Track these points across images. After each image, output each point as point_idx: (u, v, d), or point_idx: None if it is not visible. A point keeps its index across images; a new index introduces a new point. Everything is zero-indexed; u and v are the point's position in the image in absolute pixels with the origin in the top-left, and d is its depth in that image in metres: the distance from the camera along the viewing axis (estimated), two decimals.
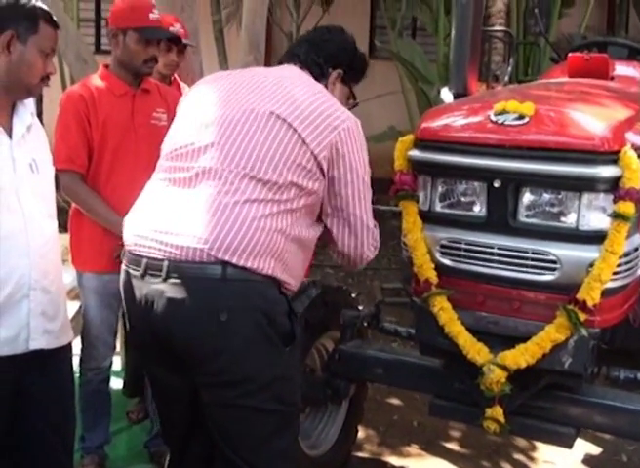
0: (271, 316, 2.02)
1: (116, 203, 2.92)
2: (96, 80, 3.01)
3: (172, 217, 2.06)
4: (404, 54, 7.35)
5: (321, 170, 2.10)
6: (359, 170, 2.15)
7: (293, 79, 2.24)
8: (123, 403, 3.56)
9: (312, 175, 2.09)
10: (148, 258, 2.05)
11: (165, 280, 2.00)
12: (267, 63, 5.98)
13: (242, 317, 1.99)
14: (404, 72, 7.59)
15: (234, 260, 1.97)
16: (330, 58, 2.35)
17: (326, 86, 2.32)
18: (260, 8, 4.59)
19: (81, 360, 3.09)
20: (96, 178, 2.95)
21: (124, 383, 3.62)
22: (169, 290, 1.99)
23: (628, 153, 2.26)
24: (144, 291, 2.06)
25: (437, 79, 6.77)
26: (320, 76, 2.32)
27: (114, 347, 3.17)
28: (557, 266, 2.29)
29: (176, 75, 3.56)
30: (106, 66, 3.04)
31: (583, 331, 2.29)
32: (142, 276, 2.06)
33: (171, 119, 3.06)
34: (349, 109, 2.32)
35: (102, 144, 2.92)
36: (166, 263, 2.00)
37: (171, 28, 3.36)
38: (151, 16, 2.94)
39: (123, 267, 2.18)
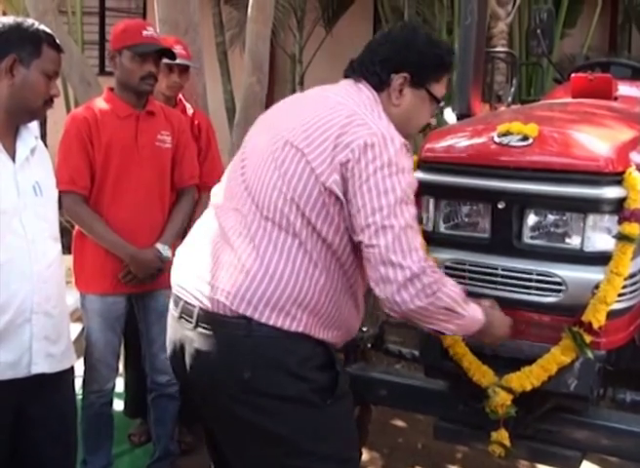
0: (301, 373, 1.87)
1: (119, 225, 2.94)
2: (100, 102, 3.03)
3: (207, 262, 1.96)
4: None
5: (336, 198, 1.86)
6: (387, 194, 1.83)
7: (327, 96, 2.03)
8: (125, 425, 3.55)
9: (329, 207, 1.87)
10: (184, 302, 1.99)
11: (195, 328, 1.94)
12: (270, 85, 6.01)
13: (266, 375, 1.86)
14: None
15: (256, 316, 1.85)
16: (387, 62, 2.04)
17: (390, 97, 2.05)
18: (263, 30, 4.62)
19: (84, 382, 3.09)
20: (98, 200, 2.95)
21: (125, 403, 3.62)
22: (197, 339, 1.93)
23: (633, 174, 2.25)
24: (178, 334, 2.01)
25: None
26: (380, 85, 2.04)
27: (117, 369, 3.16)
28: (562, 288, 2.27)
29: (181, 96, 3.57)
30: (111, 89, 3.06)
31: (589, 354, 2.26)
32: (179, 318, 2.01)
33: (176, 141, 3.09)
34: (433, 115, 2.16)
35: (105, 166, 2.93)
36: (197, 310, 1.93)
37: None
38: (144, 33, 2.97)
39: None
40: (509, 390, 2.29)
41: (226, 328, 1.87)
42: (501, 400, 2.29)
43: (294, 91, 8.00)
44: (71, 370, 2.31)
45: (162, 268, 2.99)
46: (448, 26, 7.23)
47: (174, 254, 2.99)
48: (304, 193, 1.87)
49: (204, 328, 1.91)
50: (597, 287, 2.24)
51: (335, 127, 1.89)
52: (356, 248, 1.92)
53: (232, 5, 7.67)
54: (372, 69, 2.04)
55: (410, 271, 1.83)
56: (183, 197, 3.15)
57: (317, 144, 1.88)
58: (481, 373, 2.34)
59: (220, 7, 8.11)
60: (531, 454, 2.59)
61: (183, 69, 3.44)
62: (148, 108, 3.03)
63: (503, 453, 2.40)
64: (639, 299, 2.42)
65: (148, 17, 8.53)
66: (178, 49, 3.41)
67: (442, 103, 2.18)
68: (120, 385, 3.72)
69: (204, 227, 2.07)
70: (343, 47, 9.24)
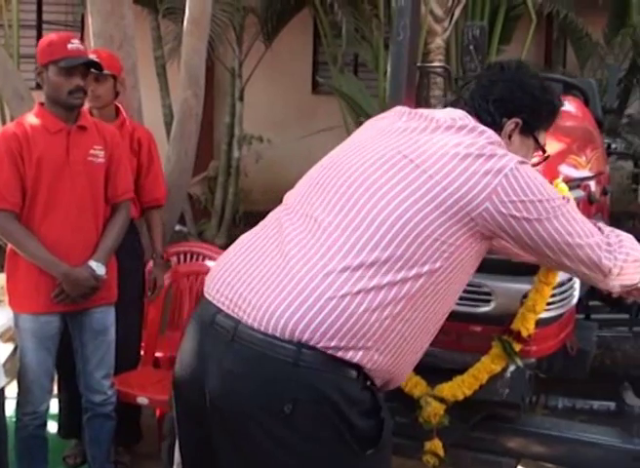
0: (345, 414, 1.64)
1: (51, 242, 2.89)
2: (31, 118, 2.98)
3: (267, 274, 1.73)
4: (346, 89, 7.45)
5: None
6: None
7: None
8: (60, 447, 3.47)
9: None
10: (224, 313, 1.74)
11: (231, 342, 1.69)
12: (210, 99, 5.97)
13: (308, 411, 1.63)
14: (346, 107, 7.68)
15: (310, 342, 1.62)
16: (502, 102, 1.93)
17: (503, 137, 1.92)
18: (198, 44, 4.61)
19: (17, 404, 3.02)
20: (30, 217, 2.90)
21: (59, 424, 3.54)
22: (231, 358, 1.69)
23: (559, 186, 2.31)
24: (206, 347, 1.76)
25: (378, 113, 6.85)
26: (492, 125, 1.90)
27: (51, 391, 3.10)
28: (492, 298, 2.32)
29: (122, 108, 3.53)
30: (42, 104, 3.01)
31: (518, 362, 2.31)
32: (210, 327, 1.76)
33: (109, 156, 3.06)
34: (537, 164, 2.05)
35: (37, 182, 2.89)
36: (237, 325, 1.69)
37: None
38: (69, 46, 2.92)
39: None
40: (442, 400, 2.33)
41: (272, 351, 1.64)
42: (434, 410, 2.32)
43: (233, 105, 7.99)
44: (1, 391, 2.25)
45: (96, 286, 2.95)
46: (385, 42, 7.31)
47: (107, 271, 3.00)
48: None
49: (243, 346, 1.67)
50: (526, 296, 2.29)
51: None
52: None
53: (170, 19, 7.62)
54: (485, 107, 1.93)
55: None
56: (118, 212, 3.11)
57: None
58: (413, 384, 2.37)
59: (157, 21, 8.06)
60: (465, 463, 2.62)
61: (98, 78, 3.35)
62: (80, 123, 2.99)
63: (437, 463, 2.43)
64: (568, 308, 2.48)
65: (86, 30, 8.43)
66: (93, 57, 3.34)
67: (547, 153, 2.10)
68: (54, 406, 3.65)
69: (264, 236, 1.84)
70: (283, 61, 9.30)
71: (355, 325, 1.64)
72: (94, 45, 4.03)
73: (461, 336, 2.41)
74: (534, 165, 2.02)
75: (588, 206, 2.68)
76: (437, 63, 7.27)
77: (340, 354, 1.64)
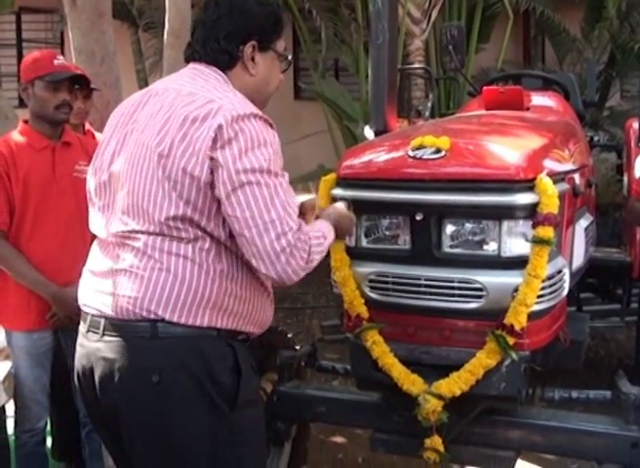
0: (211, 374, 1.85)
1: (40, 260, 2.89)
2: (16, 136, 2.99)
3: (107, 276, 1.97)
4: (328, 93, 7.49)
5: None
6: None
7: (178, 90, 1.97)
8: (54, 467, 3.43)
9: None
10: (91, 316, 1.98)
11: (101, 337, 1.92)
12: None
13: (174, 377, 1.83)
14: (329, 112, 7.72)
15: (159, 316, 1.84)
16: (232, 36, 2.00)
17: (246, 68, 2.02)
18: (179, 56, 4.59)
19: (15, 422, 3.01)
20: (18, 235, 2.90)
21: (52, 445, 3.48)
22: (104, 348, 1.90)
23: (544, 180, 2.33)
24: (86, 349, 1.98)
25: (361, 117, 6.90)
26: (231, 62, 2.01)
27: (48, 407, 3.08)
28: (483, 293, 2.33)
29: (88, 124, 3.54)
30: (26, 121, 3.02)
31: (513, 355, 2.33)
32: (86, 332, 1.98)
33: None
34: (283, 71, 2.13)
35: (25, 200, 2.89)
36: (102, 321, 1.92)
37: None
38: (55, 62, 2.95)
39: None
40: (439, 396, 2.34)
41: (131, 331, 1.86)
42: (432, 406, 2.33)
43: None
44: (2, 409, 2.26)
45: None
46: (365, 46, 7.36)
47: None
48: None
49: (110, 335, 1.89)
50: (516, 290, 2.30)
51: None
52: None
53: (151, 33, 7.65)
54: (218, 48, 1.99)
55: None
56: None
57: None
58: (410, 382, 2.38)
59: (138, 35, 8.08)
60: (465, 458, 2.64)
61: (86, 95, 3.39)
62: (64, 139, 3.00)
63: (438, 460, 2.45)
64: (559, 300, 2.49)
65: (66, 46, 8.43)
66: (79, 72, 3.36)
67: (290, 56, 2.16)
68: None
69: (95, 247, 2.10)
70: None
71: (181, 291, 1.84)
72: (75, 61, 4.04)
73: (455, 333, 2.43)
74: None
75: (574, 198, 2.71)
76: (417, 65, 7.33)
77: (184, 319, 1.85)
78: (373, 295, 2.49)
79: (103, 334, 1.91)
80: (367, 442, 2.76)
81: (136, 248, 1.89)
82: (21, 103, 3.00)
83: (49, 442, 3.20)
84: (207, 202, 1.86)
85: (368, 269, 2.49)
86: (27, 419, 2.99)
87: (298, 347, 3.08)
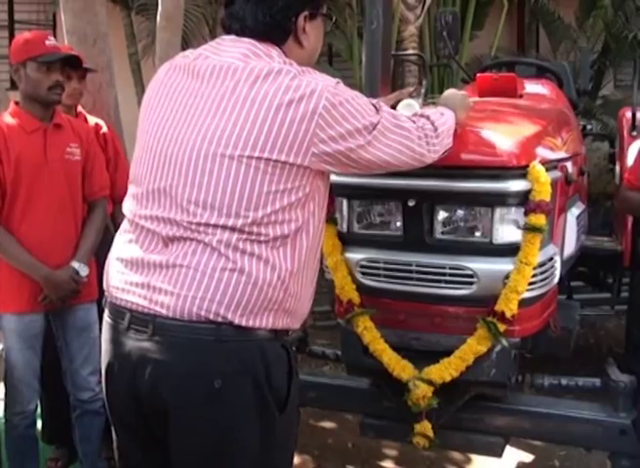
0: (269, 378, 1.76)
1: (32, 242, 2.89)
2: (7, 118, 2.97)
3: (154, 270, 1.79)
4: None
5: None
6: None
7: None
8: (44, 450, 3.42)
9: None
10: (134, 312, 1.79)
11: (152, 337, 1.75)
12: None
13: (236, 383, 1.73)
14: None
15: (230, 319, 1.72)
16: (286, 9, 1.86)
17: (299, 41, 1.91)
18: (172, 39, 4.59)
19: (5, 405, 3.01)
20: (10, 218, 2.89)
21: (42, 428, 3.49)
22: (156, 349, 1.74)
23: (536, 167, 2.33)
24: (126, 348, 1.80)
25: None
26: (285, 36, 1.89)
27: (38, 390, 3.08)
28: (474, 280, 2.33)
29: (80, 107, 3.52)
30: (17, 103, 3.00)
31: (504, 342, 2.34)
32: (127, 330, 1.80)
33: (85, 153, 3.05)
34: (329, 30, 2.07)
35: (16, 182, 2.88)
36: (153, 319, 1.75)
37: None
38: (47, 42, 2.94)
39: (105, 318, 1.90)
40: (430, 382, 2.35)
41: (192, 334, 1.72)
42: (422, 392, 2.34)
43: None
44: None
45: (77, 289, 2.96)
46: (359, 31, 7.33)
47: (92, 270, 3.00)
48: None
49: (164, 335, 1.73)
50: (508, 277, 2.31)
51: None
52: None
53: (143, 15, 7.59)
54: (272, 22, 1.85)
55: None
56: (95, 210, 3.11)
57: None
58: (401, 368, 2.39)
59: (130, 17, 8.02)
60: (455, 444, 2.66)
61: (81, 75, 3.38)
62: (56, 121, 2.98)
63: (428, 445, 2.46)
64: (550, 287, 2.50)
65: (58, 28, 8.36)
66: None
67: (334, 18, 2.11)
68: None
69: (134, 233, 1.87)
70: None
71: (252, 296, 1.73)
72: (67, 43, 4.00)
73: (446, 319, 2.43)
74: None
75: (566, 186, 2.71)
76: (411, 51, 7.31)
77: (252, 323, 1.74)
78: (364, 281, 2.49)
79: (154, 334, 1.74)
80: (357, 427, 2.77)
81: (205, 243, 1.74)
82: (13, 85, 2.98)
83: (39, 425, 3.20)
84: (299, 190, 1.77)
85: (359, 255, 2.49)
86: (18, 402, 2.99)
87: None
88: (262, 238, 1.75)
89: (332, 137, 1.76)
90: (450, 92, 2.40)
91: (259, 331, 1.76)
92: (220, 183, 1.74)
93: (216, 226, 1.74)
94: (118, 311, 1.84)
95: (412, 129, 1.95)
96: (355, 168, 1.88)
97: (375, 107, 1.87)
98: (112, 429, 1.97)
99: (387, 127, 1.88)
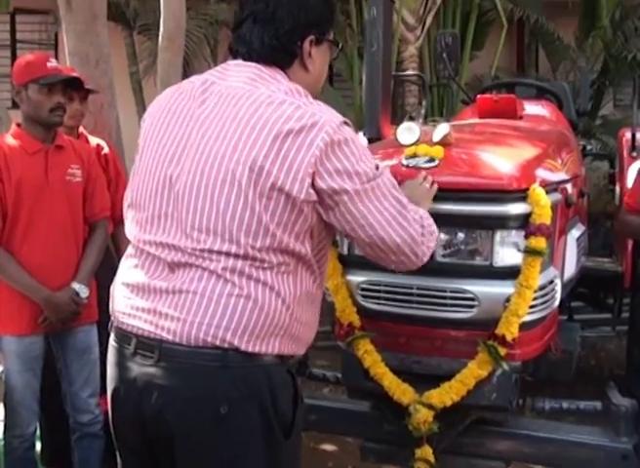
0: (275, 404, 1.75)
1: (32, 264, 2.88)
2: (8, 139, 2.98)
3: (160, 294, 1.78)
4: (322, 100, 7.47)
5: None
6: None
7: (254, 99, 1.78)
8: None
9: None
10: (140, 337, 1.78)
11: (157, 362, 1.74)
12: None
13: (242, 408, 1.72)
14: None
15: (236, 345, 1.71)
16: (292, 32, 1.84)
17: (304, 65, 1.88)
18: (174, 59, 4.63)
19: (5, 427, 3.00)
20: (10, 240, 2.89)
21: (41, 450, 3.45)
22: (161, 375, 1.73)
23: (536, 190, 2.33)
24: (132, 373, 1.79)
25: (355, 123, 6.90)
26: (290, 60, 1.87)
27: (37, 412, 3.06)
28: (475, 303, 2.33)
29: (82, 129, 3.53)
30: (19, 125, 3.01)
31: (504, 366, 2.33)
32: (133, 355, 1.80)
33: (86, 175, 3.06)
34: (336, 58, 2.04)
35: (18, 204, 2.88)
36: (159, 344, 1.74)
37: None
38: (49, 64, 2.95)
39: (111, 342, 1.90)
40: (430, 406, 2.33)
41: (198, 359, 1.71)
42: (423, 416, 2.33)
43: None
44: None
45: (77, 311, 2.96)
46: (359, 52, 7.37)
47: (92, 291, 2.99)
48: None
49: (170, 361, 1.73)
50: (508, 300, 2.30)
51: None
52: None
53: (145, 35, 7.64)
54: (278, 45, 1.83)
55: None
56: (96, 231, 3.11)
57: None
58: (401, 392, 2.38)
59: (132, 37, 8.07)
60: None
61: (83, 97, 3.41)
62: (57, 142, 2.99)
63: None
64: (551, 310, 2.50)
65: (60, 48, 8.42)
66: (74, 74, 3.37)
67: (340, 44, 2.07)
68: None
69: (139, 259, 1.87)
70: None
71: (258, 321, 1.73)
72: (69, 63, 4.03)
73: (447, 342, 2.42)
74: None
75: (566, 209, 2.71)
76: (411, 71, 7.35)
77: (258, 348, 1.74)
78: (365, 304, 2.48)
79: (160, 360, 1.74)
80: (357, 450, 2.75)
81: (210, 270, 1.73)
82: (15, 105, 2.99)
83: (38, 447, 3.18)
84: (298, 222, 1.76)
85: (360, 277, 2.48)
86: (17, 425, 2.97)
87: None
88: (267, 264, 1.75)
89: (328, 171, 1.73)
90: (412, 183, 2.24)
91: (265, 357, 1.76)
92: (221, 210, 1.73)
93: (220, 253, 1.73)
94: (124, 336, 1.83)
95: (410, 210, 1.87)
96: (342, 222, 1.80)
97: (376, 166, 1.83)
98: (117, 454, 1.96)
99: (384, 191, 1.82)
